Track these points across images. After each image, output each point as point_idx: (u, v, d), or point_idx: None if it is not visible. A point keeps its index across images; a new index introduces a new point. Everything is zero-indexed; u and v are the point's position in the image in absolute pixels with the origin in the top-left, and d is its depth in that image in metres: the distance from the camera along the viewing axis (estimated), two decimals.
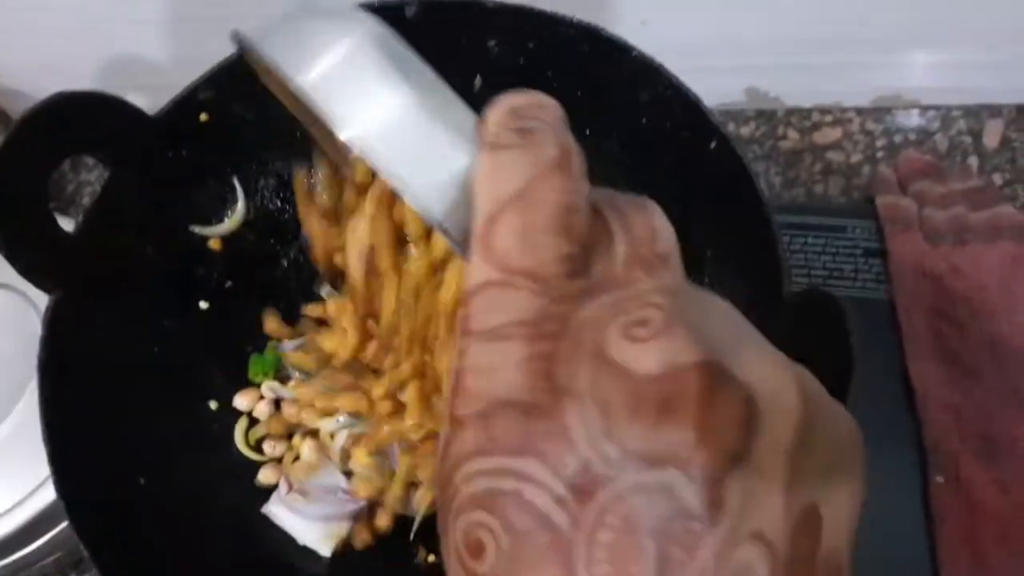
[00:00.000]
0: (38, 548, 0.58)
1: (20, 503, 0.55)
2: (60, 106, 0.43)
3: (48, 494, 0.55)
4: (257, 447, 0.51)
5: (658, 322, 0.19)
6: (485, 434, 0.20)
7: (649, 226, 0.22)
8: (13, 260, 0.42)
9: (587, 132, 0.51)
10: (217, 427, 0.51)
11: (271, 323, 0.52)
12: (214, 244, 0.53)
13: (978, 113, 0.68)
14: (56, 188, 0.75)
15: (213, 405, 0.52)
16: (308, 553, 0.48)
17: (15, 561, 0.58)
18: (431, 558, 0.49)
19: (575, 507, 0.18)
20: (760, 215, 0.42)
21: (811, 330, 0.37)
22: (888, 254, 0.57)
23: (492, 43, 0.51)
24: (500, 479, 0.19)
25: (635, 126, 0.49)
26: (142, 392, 0.48)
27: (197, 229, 0.53)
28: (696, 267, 0.47)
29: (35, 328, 0.60)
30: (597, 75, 0.49)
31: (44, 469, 0.53)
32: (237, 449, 0.51)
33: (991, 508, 0.48)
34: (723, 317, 0.22)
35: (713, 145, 0.45)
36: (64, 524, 0.57)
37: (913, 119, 0.69)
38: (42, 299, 0.61)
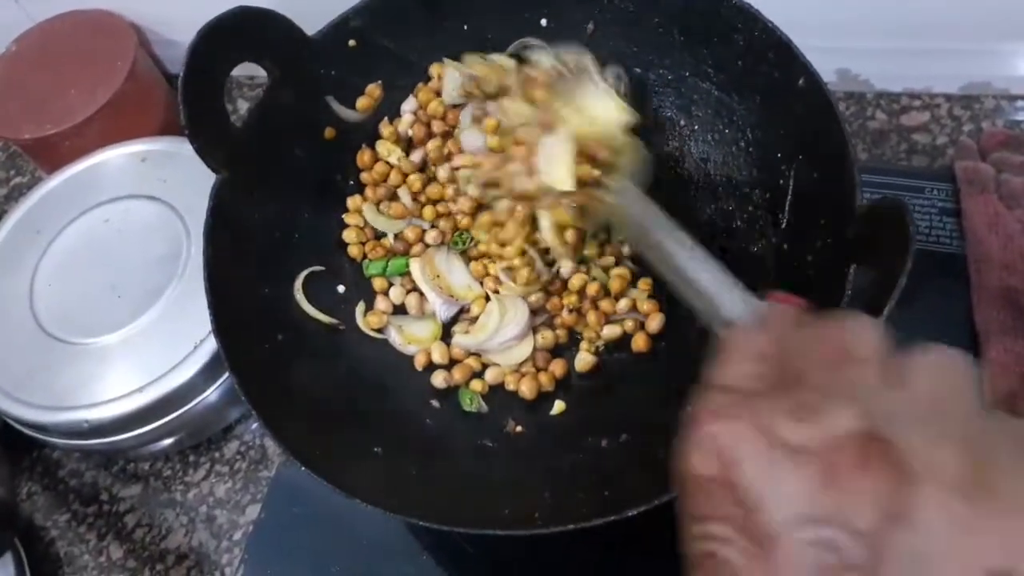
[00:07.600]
0: (162, 425, 0.64)
1: (152, 383, 0.62)
2: (238, 17, 0.51)
3: (175, 379, 0.62)
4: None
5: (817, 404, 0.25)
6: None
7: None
8: (194, 140, 0.50)
9: (687, 74, 0.57)
10: (344, 307, 0.58)
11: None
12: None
13: None
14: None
15: (340, 288, 0.58)
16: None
17: (140, 435, 0.64)
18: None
19: (759, 561, 0.24)
20: (840, 140, 0.46)
21: (879, 232, 0.42)
22: (963, 212, 0.60)
23: None
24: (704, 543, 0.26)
25: (731, 68, 0.54)
26: (284, 267, 0.55)
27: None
28: (781, 190, 0.52)
29: (179, 234, 0.69)
30: (698, 21, 0.54)
31: (174, 357, 0.62)
32: (356, 324, 0.57)
33: None
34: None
35: (801, 82, 0.49)
36: (186, 408, 0.63)
37: (1002, 107, 0.71)
38: (186, 210, 0.69)
